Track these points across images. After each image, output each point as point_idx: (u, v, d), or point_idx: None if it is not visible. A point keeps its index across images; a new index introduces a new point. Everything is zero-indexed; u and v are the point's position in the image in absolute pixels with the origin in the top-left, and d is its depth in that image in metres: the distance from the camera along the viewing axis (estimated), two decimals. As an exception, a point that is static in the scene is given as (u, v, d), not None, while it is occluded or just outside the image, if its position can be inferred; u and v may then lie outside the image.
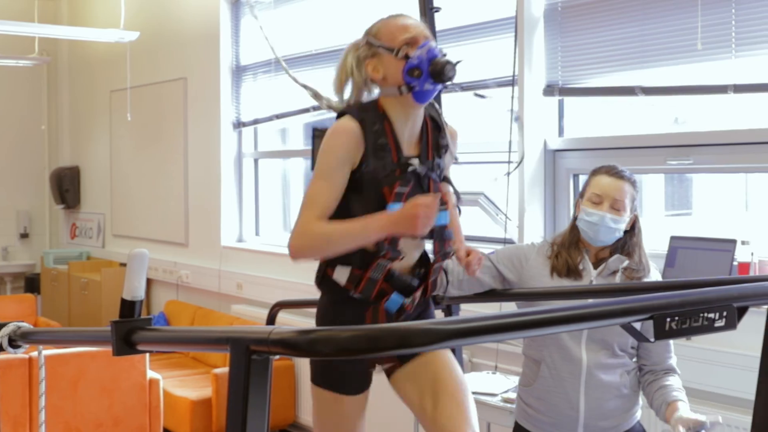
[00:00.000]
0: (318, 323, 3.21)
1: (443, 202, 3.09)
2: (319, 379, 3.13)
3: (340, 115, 3.08)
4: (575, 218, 3.57)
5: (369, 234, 2.92)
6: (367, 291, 3.02)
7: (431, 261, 3.15)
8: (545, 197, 5.28)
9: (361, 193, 3.01)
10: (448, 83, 3.03)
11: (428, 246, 3.16)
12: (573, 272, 3.50)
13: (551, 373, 3.51)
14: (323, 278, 3.12)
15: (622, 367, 3.48)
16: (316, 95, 4.93)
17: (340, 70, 3.15)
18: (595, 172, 3.55)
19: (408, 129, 3.08)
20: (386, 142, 3.01)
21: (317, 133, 5.18)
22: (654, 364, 3.51)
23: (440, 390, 3.05)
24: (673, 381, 3.47)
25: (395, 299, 3.06)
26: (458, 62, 3.02)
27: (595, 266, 3.52)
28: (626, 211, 3.47)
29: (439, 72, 2.96)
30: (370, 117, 3.02)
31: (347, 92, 3.15)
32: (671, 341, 3.46)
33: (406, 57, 2.99)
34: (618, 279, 3.49)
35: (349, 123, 3.00)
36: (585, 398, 3.45)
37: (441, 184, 3.14)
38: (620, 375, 3.47)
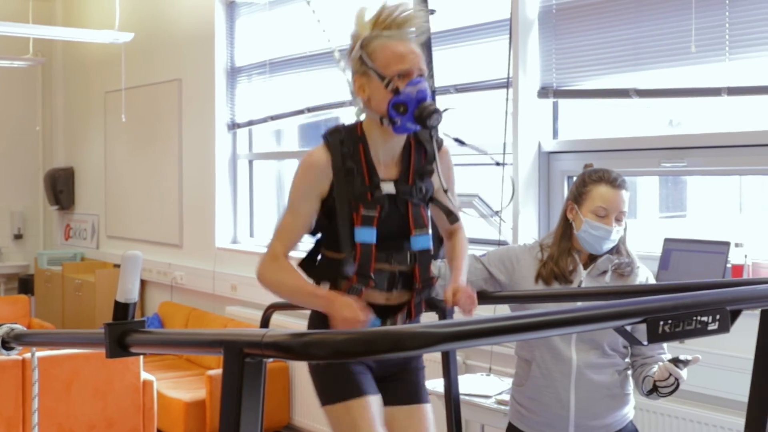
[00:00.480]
0: (309, 323, 3.21)
1: (421, 226, 3.08)
2: (328, 396, 3.06)
3: (323, 137, 3.08)
4: (566, 221, 3.55)
5: (311, 305, 3.07)
6: None
7: (414, 286, 3.10)
8: (539, 199, 5.28)
9: (335, 219, 3.01)
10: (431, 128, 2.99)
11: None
12: (560, 278, 3.50)
13: (542, 373, 3.52)
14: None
15: (613, 366, 3.48)
16: None
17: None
18: (593, 181, 3.50)
19: (386, 151, 3.05)
20: (354, 166, 2.99)
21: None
22: (647, 358, 3.49)
23: None
24: None
25: (373, 322, 3.00)
26: (446, 110, 2.99)
27: (585, 266, 3.52)
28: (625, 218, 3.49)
29: (424, 118, 2.91)
30: (344, 139, 3.01)
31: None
32: None
33: (396, 90, 2.93)
34: (608, 278, 3.49)
35: (317, 153, 3.02)
36: (575, 397, 3.45)
37: (424, 206, 3.10)
38: (611, 374, 3.47)
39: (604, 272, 3.49)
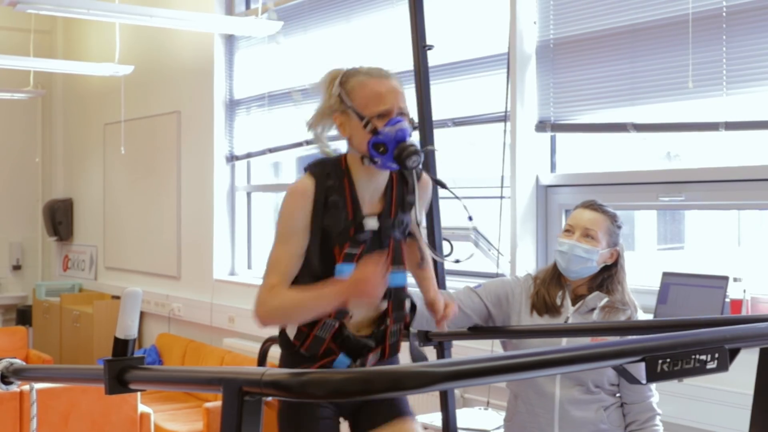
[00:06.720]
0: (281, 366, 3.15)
1: (400, 263, 3.03)
2: None
3: (306, 169, 3.00)
4: None
5: (323, 304, 2.87)
6: (312, 349, 2.97)
7: (387, 324, 3.04)
8: (537, 232, 5.29)
9: (317, 251, 2.93)
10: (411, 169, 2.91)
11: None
12: (551, 309, 3.51)
13: (527, 408, 3.53)
14: (280, 333, 3.08)
15: (598, 402, 3.46)
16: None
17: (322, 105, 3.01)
18: (575, 207, 3.60)
19: (371, 186, 2.98)
20: (339, 200, 2.92)
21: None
22: (634, 403, 3.48)
23: None
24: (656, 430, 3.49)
25: (342, 360, 2.98)
26: (425, 150, 2.96)
27: (574, 302, 3.52)
28: (600, 242, 3.46)
29: (403, 158, 2.83)
30: (329, 172, 2.94)
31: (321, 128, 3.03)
32: None
33: (375, 131, 2.86)
34: (595, 316, 3.47)
35: (304, 182, 2.93)
36: None
37: (407, 241, 3.07)
38: (596, 411, 3.44)
39: (593, 309, 3.48)
